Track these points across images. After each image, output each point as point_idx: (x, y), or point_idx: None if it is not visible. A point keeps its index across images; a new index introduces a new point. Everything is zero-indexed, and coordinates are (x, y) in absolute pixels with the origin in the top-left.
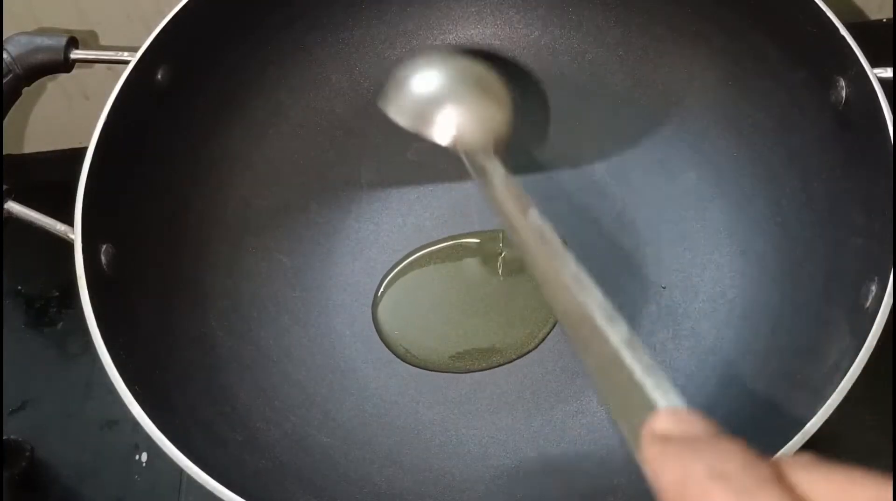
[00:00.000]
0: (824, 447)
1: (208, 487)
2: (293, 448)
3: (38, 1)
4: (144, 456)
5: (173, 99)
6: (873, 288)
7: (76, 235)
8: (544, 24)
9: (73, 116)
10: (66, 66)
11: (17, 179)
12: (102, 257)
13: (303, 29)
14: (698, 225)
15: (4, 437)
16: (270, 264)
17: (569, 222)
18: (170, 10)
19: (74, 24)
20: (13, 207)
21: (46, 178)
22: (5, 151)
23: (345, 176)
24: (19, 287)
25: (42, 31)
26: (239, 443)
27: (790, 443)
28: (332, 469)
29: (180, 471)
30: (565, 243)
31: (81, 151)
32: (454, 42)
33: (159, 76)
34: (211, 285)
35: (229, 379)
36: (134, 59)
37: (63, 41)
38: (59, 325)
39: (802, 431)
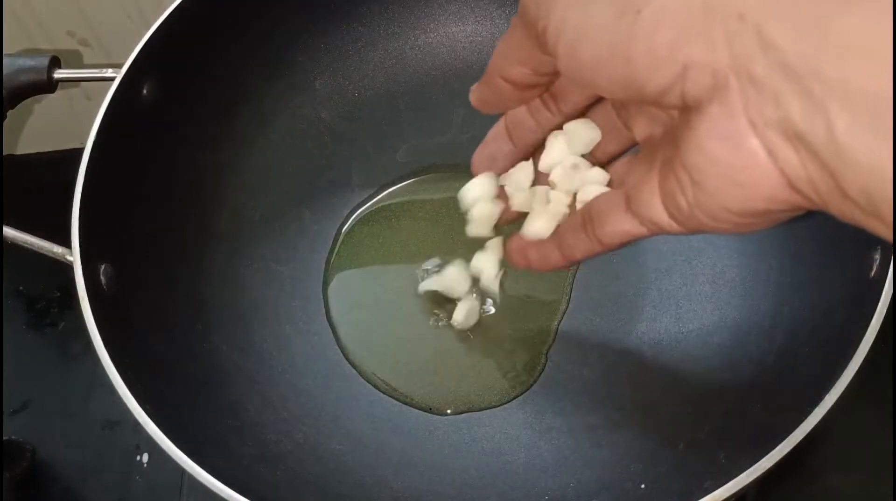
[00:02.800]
0: (825, 448)
1: (210, 487)
2: (307, 457)
3: (38, 1)
4: (146, 457)
5: (160, 112)
6: (877, 257)
7: (75, 257)
8: None
9: (75, 117)
10: (50, 86)
11: (17, 179)
12: (102, 278)
13: (284, 36)
14: None
15: (5, 438)
16: (268, 274)
17: None
18: (170, 9)
19: (74, 25)
20: (10, 232)
21: (47, 179)
22: (5, 152)
23: (336, 182)
24: (20, 288)
25: (24, 52)
26: (253, 456)
27: (807, 420)
28: (347, 476)
29: (181, 472)
30: None
31: (83, 152)
32: (435, 40)
33: (145, 91)
34: (210, 299)
35: (236, 392)
36: (119, 75)
37: (46, 62)
38: (61, 326)
39: (820, 405)
